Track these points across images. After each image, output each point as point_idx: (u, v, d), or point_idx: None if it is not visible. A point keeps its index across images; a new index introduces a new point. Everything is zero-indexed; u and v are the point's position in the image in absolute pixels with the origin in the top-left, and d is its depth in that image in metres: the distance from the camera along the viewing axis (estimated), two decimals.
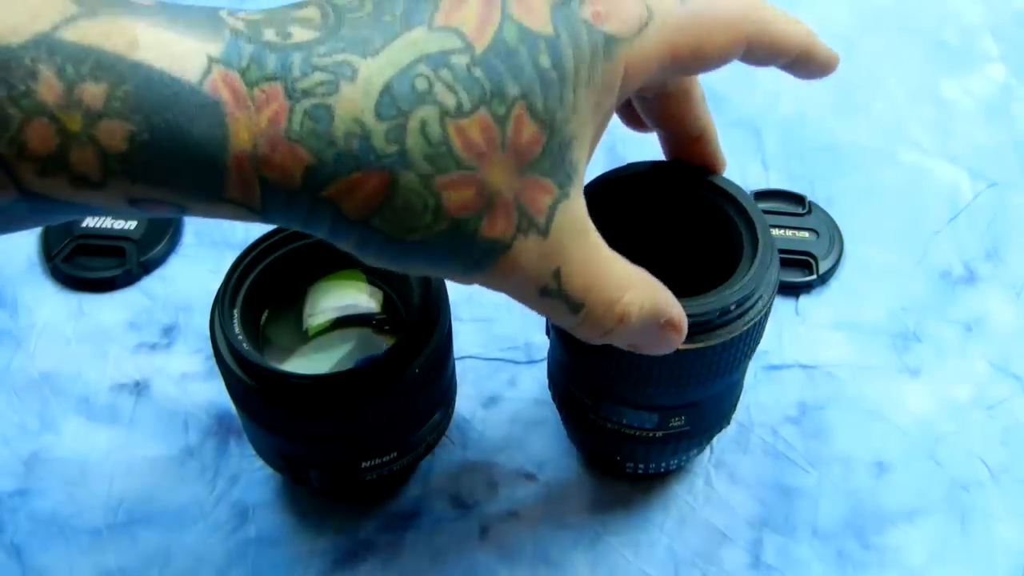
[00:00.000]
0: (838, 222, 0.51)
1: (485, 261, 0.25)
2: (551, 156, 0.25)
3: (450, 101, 0.23)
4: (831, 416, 0.45)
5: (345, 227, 0.24)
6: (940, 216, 0.52)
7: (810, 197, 0.52)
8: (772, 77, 0.59)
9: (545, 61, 0.24)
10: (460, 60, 0.23)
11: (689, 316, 0.30)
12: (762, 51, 0.29)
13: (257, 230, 0.39)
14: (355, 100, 0.23)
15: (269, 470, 0.42)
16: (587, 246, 0.27)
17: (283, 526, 0.42)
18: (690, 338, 0.31)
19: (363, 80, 0.23)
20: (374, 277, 0.40)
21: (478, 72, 0.23)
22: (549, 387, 0.41)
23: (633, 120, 0.36)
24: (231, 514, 0.42)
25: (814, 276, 0.49)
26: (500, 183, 0.24)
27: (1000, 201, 0.53)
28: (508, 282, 0.26)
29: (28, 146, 0.21)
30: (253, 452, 0.41)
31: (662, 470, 0.41)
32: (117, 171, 0.22)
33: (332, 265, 0.39)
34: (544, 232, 0.25)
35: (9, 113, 0.21)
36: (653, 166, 0.36)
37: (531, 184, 0.25)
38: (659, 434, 0.37)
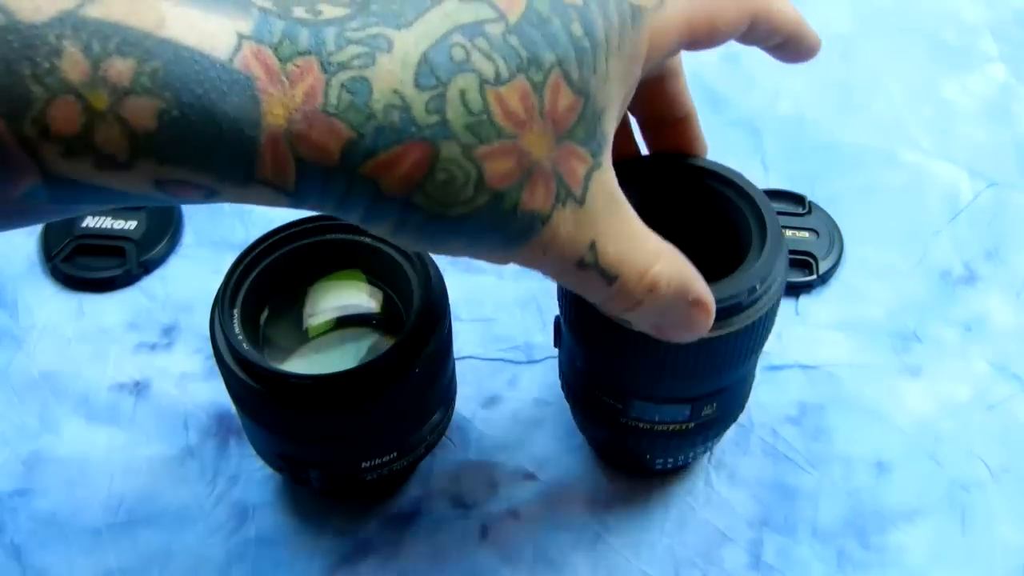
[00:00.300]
0: (838, 222, 0.51)
1: (525, 235, 0.25)
2: (586, 124, 0.25)
3: (488, 69, 0.23)
4: (831, 416, 0.45)
5: (383, 206, 0.23)
6: (940, 216, 0.52)
7: (810, 197, 0.52)
8: (772, 77, 0.59)
9: (578, 29, 0.24)
10: (495, 29, 0.23)
11: (724, 299, 0.30)
12: (763, 29, 0.30)
13: (257, 230, 0.39)
14: (393, 71, 0.22)
15: (269, 470, 0.42)
16: (621, 216, 0.27)
17: (283, 526, 0.42)
18: (726, 321, 0.31)
19: (399, 51, 0.22)
20: (374, 277, 0.40)
21: (514, 40, 0.23)
22: (566, 396, 0.41)
23: None
24: (231, 514, 0.42)
25: (814, 276, 0.49)
26: (539, 152, 0.24)
27: (1000, 201, 0.53)
28: (546, 257, 0.26)
29: (52, 126, 0.20)
30: (253, 452, 0.41)
31: (691, 460, 0.42)
32: (145, 150, 0.21)
33: (332, 265, 0.39)
34: (580, 201, 0.25)
35: (33, 92, 0.20)
36: (639, 160, 0.35)
37: (568, 152, 0.24)
38: (691, 425, 0.37)
